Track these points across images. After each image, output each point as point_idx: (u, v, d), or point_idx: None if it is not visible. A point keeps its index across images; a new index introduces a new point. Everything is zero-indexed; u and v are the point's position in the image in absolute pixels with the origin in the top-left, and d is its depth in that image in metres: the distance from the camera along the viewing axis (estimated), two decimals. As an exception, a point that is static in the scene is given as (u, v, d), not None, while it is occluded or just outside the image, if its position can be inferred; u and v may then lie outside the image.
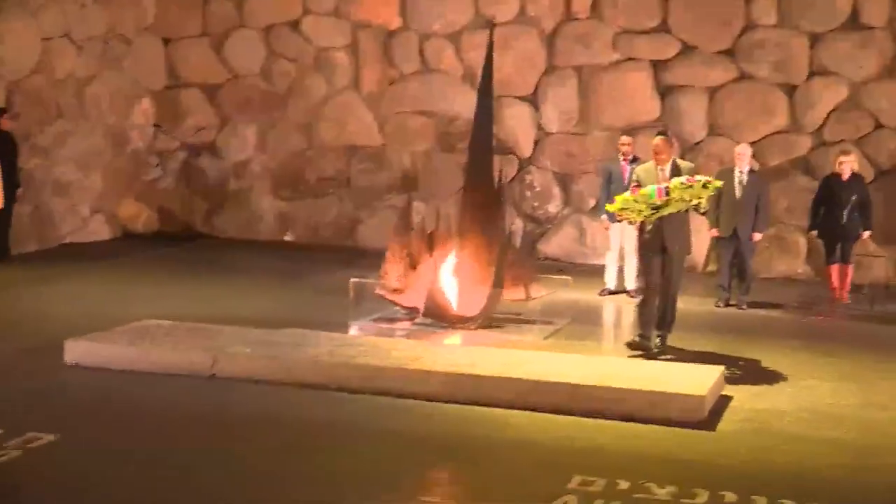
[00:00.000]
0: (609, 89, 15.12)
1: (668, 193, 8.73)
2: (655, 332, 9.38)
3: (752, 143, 13.78)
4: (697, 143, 14.88)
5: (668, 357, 9.20)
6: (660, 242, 9.24)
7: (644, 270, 9.71)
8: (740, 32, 14.76)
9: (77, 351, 8.36)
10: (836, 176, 12.53)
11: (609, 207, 9.53)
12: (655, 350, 9.25)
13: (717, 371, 8.23)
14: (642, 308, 9.44)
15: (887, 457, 7.00)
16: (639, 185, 9.06)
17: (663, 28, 14.98)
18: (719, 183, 9.39)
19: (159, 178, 16.63)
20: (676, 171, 9.13)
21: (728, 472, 6.48)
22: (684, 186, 8.73)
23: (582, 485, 6.09)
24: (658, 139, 9.26)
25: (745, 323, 11.35)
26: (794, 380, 8.84)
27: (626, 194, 9.03)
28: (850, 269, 12.72)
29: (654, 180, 9.04)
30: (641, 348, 9.25)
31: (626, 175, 12.44)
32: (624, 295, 12.37)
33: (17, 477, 5.96)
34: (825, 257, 12.85)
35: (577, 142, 15.30)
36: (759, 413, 7.80)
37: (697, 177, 8.93)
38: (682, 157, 14.65)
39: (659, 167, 9.15)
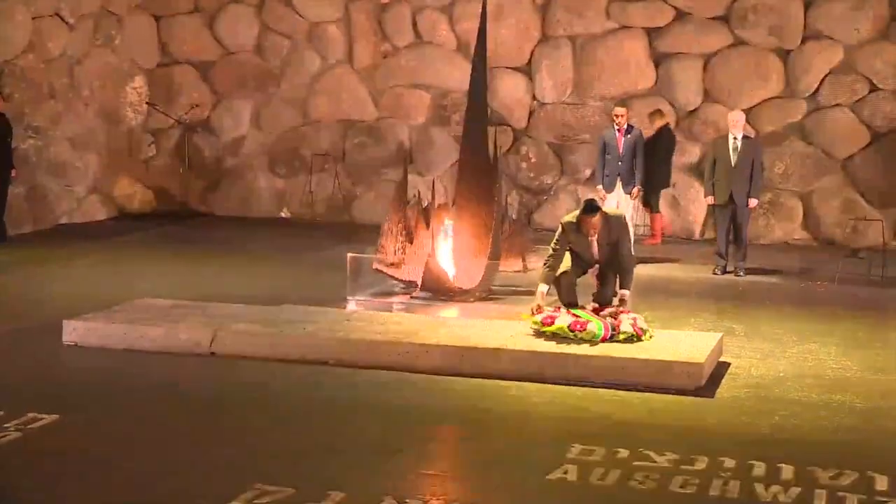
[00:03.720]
0: (603, 58, 15.07)
1: (614, 336, 7.98)
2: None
3: (747, 109, 13.76)
4: (693, 111, 14.83)
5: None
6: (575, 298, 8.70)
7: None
8: (734, -2, 14.70)
9: (75, 331, 8.33)
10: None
11: (545, 329, 8.07)
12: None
13: (715, 338, 8.22)
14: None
15: (890, 420, 7.00)
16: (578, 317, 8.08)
17: (657, -5, 14.91)
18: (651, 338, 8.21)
19: (154, 156, 16.58)
20: (607, 230, 8.53)
21: (728, 439, 6.48)
22: (631, 335, 7.97)
23: (581, 454, 6.09)
24: (595, 217, 8.44)
25: (743, 289, 11.34)
26: (794, 345, 8.83)
27: (565, 323, 8.05)
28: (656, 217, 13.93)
29: (586, 248, 8.63)
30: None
31: (621, 145, 12.46)
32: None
33: (17, 458, 5.95)
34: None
35: (572, 112, 15.25)
36: (758, 379, 7.80)
37: (641, 322, 8.10)
38: (677, 125, 14.68)
39: (588, 238, 8.54)
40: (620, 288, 8.63)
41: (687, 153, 14.78)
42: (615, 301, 8.57)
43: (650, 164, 12.81)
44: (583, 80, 15.18)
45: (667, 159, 13.58)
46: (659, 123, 13.67)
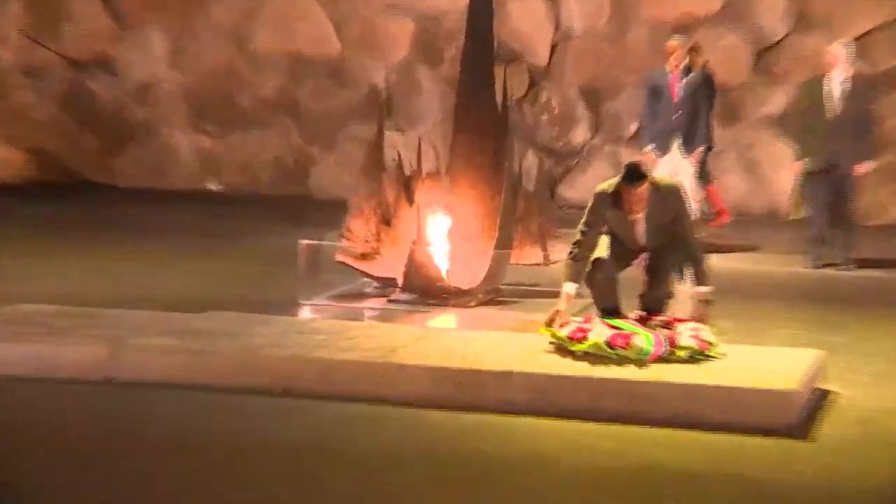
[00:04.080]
0: (652, -29, 15.09)
1: (670, 353, 7.91)
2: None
3: (854, 41, 13.69)
4: (777, 43, 14.81)
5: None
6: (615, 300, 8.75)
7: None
8: None
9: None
10: None
11: (575, 347, 8.05)
12: None
13: (812, 356, 8.17)
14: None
15: None
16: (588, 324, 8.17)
17: None
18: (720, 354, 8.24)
19: (33, 106, 16.55)
20: (658, 205, 8.49)
21: (830, 495, 6.43)
22: (693, 351, 8.06)
23: (626, 518, 6.05)
24: (640, 187, 8.39)
25: (849, 289, 11.38)
26: (921, 367, 8.81)
27: (602, 338, 8.02)
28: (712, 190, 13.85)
29: (628, 230, 8.64)
30: None
31: (678, 91, 12.41)
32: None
33: None
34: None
35: (609, 45, 15.24)
36: (871, 413, 7.75)
37: (706, 335, 8.11)
38: (758, 62, 14.63)
39: (631, 216, 8.53)
40: (695, 285, 8.52)
41: (767, 102, 14.76)
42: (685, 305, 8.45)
43: None
44: (623, 3, 15.14)
45: (706, 112, 13.39)
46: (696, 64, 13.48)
